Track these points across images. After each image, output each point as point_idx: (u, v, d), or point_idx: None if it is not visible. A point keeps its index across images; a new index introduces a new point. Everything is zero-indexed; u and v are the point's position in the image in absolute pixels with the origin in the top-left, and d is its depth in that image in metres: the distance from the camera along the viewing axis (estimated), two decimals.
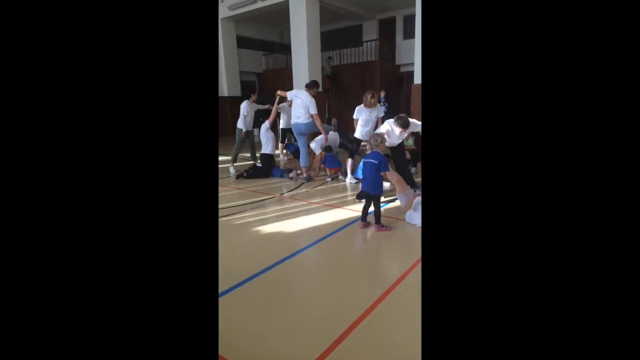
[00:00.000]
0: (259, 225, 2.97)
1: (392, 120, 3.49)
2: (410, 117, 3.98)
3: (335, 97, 10.17)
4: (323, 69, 10.22)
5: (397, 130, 3.44)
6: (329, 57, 10.60)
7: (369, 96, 3.99)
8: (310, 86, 4.34)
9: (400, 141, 3.61)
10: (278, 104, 4.73)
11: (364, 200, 2.89)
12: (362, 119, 4.03)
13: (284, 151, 6.11)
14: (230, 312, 1.73)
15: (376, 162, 2.71)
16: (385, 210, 3.26)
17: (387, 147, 3.42)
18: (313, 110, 4.19)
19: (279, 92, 4.59)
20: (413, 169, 4.48)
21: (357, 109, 4.11)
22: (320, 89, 4.72)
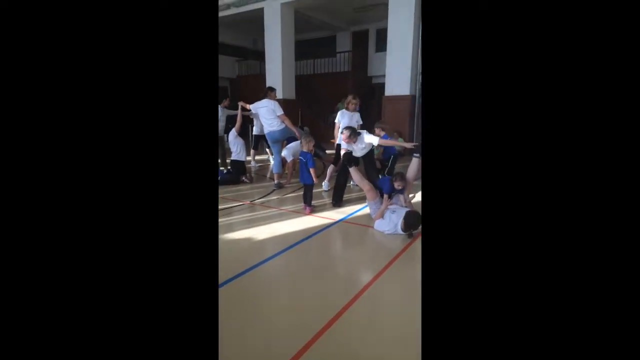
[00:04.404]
0: (226, 233, 2.89)
1: (365, 132, 3.56)
2: (380, 127, 4.08)
3: (309, 106, 10.23)
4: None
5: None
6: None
7: (350, 97, 4.09)
8: (268, 92, 4.42)
9: (364, 152, 3.65)
10: (242, 112, 4.70)
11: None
12: (344, 122, 4.03)
13: (255, 158, 6.05)
14: None
15: (304, 159, 3.47)
16: (355, 217, 3.30)
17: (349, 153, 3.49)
18: (279, 112, 4.25)
19: (241, 102, 4.62)
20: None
21: (340, 112, 4.17)
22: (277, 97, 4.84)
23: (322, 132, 9.02)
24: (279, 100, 4.53)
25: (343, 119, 4.10)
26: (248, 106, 4.52)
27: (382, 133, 4.02)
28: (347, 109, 4.16)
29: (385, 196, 3.07)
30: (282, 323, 1.68)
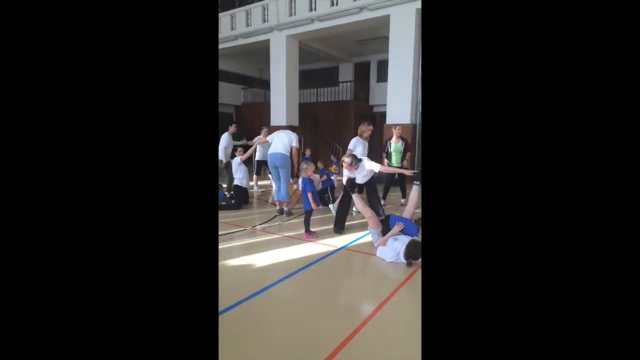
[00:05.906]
0: (226, 259, 2.86)
1: (366, 158, 3.62)
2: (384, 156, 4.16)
3: (312, 133, 10.40)
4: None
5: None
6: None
7: (365, 125, 4.02)
8: (292, 130, 4.72)
9: (365, 180, 3.67)
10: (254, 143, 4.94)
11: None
12: (359, 151, 3.97)
13: (258, 183, 6.08)
14: None
15: (303, 185, 3.55)
16: (357, 245, 3.27)
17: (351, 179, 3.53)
18: (295, 143, 4.32)
19: (259, 137, 4.88)
20: (383, 201, 4.55)
21: (353, 141, 4.07)
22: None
23: (325, 158, 9.11)
24: (282, 127, 4.69)
25: (358, 146, 4.05)
26: (265, 140, 4.75)
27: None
28: (361, 136, 4.07)
29: (399, 225, 2.96)
30: (282, 355, 1.63)
